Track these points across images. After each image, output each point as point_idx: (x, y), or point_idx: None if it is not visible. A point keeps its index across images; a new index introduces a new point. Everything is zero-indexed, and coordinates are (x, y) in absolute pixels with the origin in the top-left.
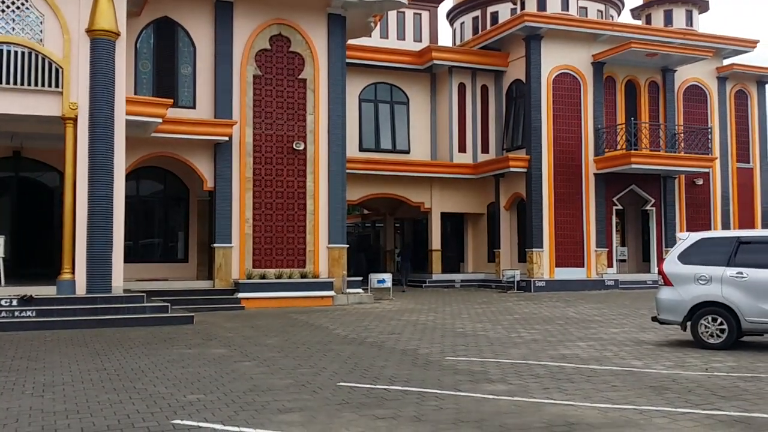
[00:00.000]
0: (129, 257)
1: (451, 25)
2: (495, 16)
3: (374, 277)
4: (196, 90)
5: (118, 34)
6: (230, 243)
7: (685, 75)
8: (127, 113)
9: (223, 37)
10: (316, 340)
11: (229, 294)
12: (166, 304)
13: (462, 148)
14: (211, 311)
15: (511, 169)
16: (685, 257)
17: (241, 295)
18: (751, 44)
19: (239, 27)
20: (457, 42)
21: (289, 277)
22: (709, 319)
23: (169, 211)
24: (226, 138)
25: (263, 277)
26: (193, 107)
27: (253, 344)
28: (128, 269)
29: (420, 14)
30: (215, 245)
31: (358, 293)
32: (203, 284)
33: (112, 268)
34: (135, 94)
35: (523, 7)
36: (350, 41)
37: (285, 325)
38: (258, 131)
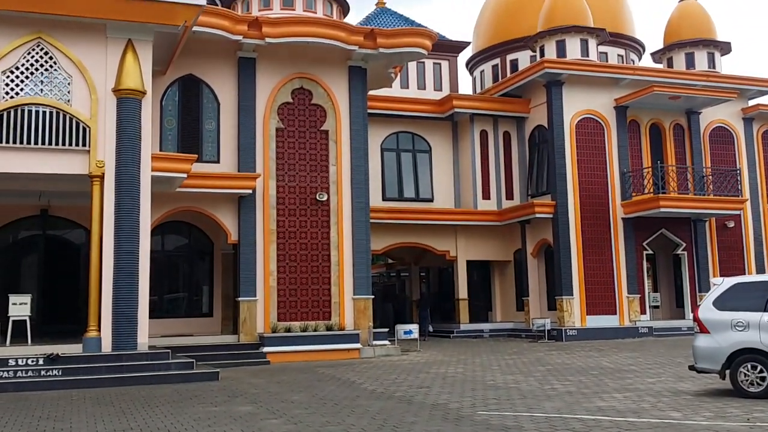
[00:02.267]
0: (154, 313)
1: (471, 73)
2: (515, 64)
3: (401, 328)
4: (220, 144)
5: (144, 93)
6: (255, 296)
7: (710, 117)
8: (153, 169)
9: (246, 92)
10: (343, 395)
11: (254, 348)
12: (191, 360)
13: (486, 195)
14: (236, 366)
15: (537, 215)
16: (721, 303)
17: (266, 349)
18: None
19: (262, 82)
20: (478, 90)
21: (315, 330)
22: (749, 366)
23: (193, 265)
24: (250, 191)
25: (288, 330)
26: (218, 161)
27: (279, 401)
28: (153, 325)
29: (440, 64)
30: (240, 299)
31: (385, 345)
32: (228, 339)
33: (137, 324)
34: (160, 150)
35: (542, 54)
36: (371, 92)
37: (311, 380)
38: (281, 183)
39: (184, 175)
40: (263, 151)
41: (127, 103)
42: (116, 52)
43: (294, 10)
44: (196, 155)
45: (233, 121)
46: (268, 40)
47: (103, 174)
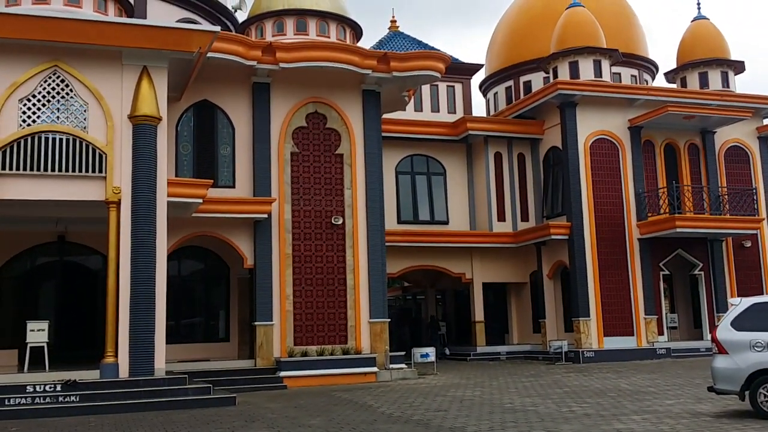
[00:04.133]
0: (171, 338)
1: (485, 95)
2: (528, 86)
3: (417, 351)
4: (236, 169)
5: (159, 119)
6: (271, 321)
7: (725, 136)
8: (169, 195)
9: (260, 117)
10: (360, 419)
11: (271, 373)
12: (208, 385)
13: (501, 217)
14: (253, 391)
15: (553, 237)
16: (739, 323)
17: (283, 373)
18: None
19: (276, 106)
20: (491, 112)
21: (331, 354)
22: None
23: (210, 290)
24: (266, 215)
25: (305, 354)
26: (233, 186)
27: (296, 425)
28: (170, 350)
29: (453, 86)
30: (256, 323)
31: (402, 368)
32: (245, 363)
33: (154, 350)
34: (176, 175)
35: (555, 76)
36: (385, 115)
37: (328, 404)
38: (296, 207)
39: (200, 200)
40: (278, 175)
41: (143, 129)
42: (132, 79)
43: (307, 35)
44: (212, 180)
45: (248, 145)
46: (282, 65)
47: (120, 200)
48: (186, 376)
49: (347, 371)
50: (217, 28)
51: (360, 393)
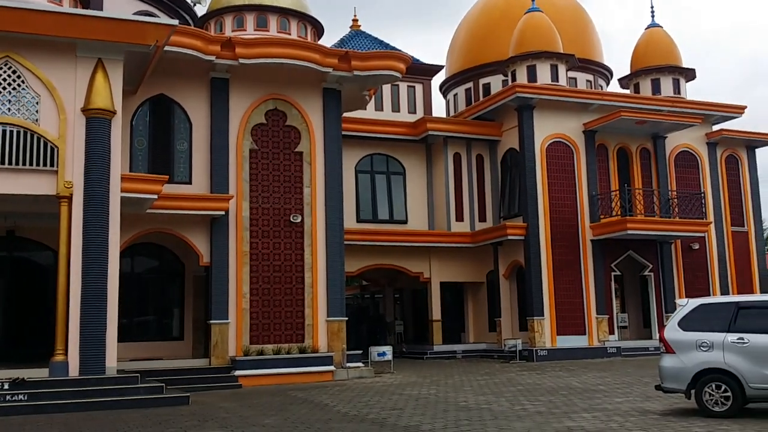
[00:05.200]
0: (123, 336)
1: (445, 96)
2: (487, 88)
3: (374, 350)
4: (192, 165)
5: (114, 113)
6: (227, 319)
7: (675, 141)
8: (123, 190)
9: (218, 113)
10: (315, 418)
11: (225, 372)
12: (161, 384)
13: (459, 217)
14: (207, 390)
15: (509, 237)
16: (686, 323)
17: (238, 372)
18: (739, 110)
19: (235, 103)
20: (451, 113)
21: (288, 353)
22: (713, 386)
23: (164, 287)
24: (223, 212)
25: (261, 353)
26: (189, 183)
27: (250, 425)
28: (122, 348)
29: (414, 87)
30: (211, 321)
31: (359, 367)
32: (199, 362)
33: (105, 348)
34: (130, 171)
35: (514, 79)
36: (346, 114)
37: (284, 403)
38: (254, 205)
39: (155, 196)
40: (236, 172)
41: (97, 122)
42: (86, 72)
43: (268, 31)
44: (168, 176)
45: (206, 141)
46: (241, 60)
47: (72, 195)
48: (138, 375)
49: (304, 370)
50: (175, 22)
51: (316, 392)
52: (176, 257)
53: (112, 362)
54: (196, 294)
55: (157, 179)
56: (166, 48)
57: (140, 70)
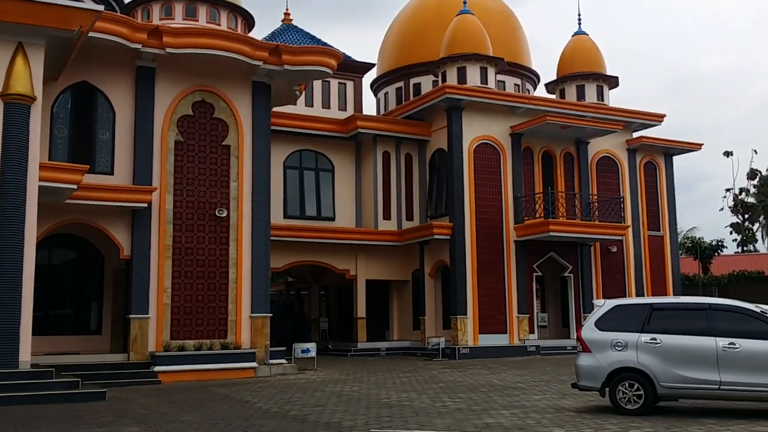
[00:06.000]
0: (38, 329)
1: (375, 95)
2: (418, 88)
3: (298, 347)
4: (115, 156)
5: (33, 99)
6: (147, 314)
7: (597, 147)
8: (41, 179)
9: (143, 103)
10: (236, 414)
11: (145, 367)
12: (76, 379)
13: (387, 216)
14: (125, 386)
15: (435, 237)
16: (602, 324)
17: (157, 368)
18: (659, 118)
19: (161, 93)
20: (382, 111)
21: (210, 349)
22: (626, 384)
23: (82, 280)
24: (145, 205)
25: (182, 348)
26: (111, 173)
27: (169, 421)
28: (37, 342)
29: (345, 84)
30: (131, 316)
31: (282, 364)
32: (117, 357)
33: (19, 341)
34: (50, 159)
35: (444, 80)
36: (275, 108)
37: (204, 400)
38: (179, 198)
39: (75, 186)
40: (161, 164)
41: (15, 108)
42: (5, 56)
43: (197, 21)
44: (88, 166)
45: (129, 131)
46: (168, 50)
47: None
48: (53, 369)
49: (225, 366)
50: (101, 8)
51: (237, 388)
52: (96, 249)
53: (25, 356)
54: (115, 287)
55: (78, 169)
56: (91, 34)
57: (63, 55)
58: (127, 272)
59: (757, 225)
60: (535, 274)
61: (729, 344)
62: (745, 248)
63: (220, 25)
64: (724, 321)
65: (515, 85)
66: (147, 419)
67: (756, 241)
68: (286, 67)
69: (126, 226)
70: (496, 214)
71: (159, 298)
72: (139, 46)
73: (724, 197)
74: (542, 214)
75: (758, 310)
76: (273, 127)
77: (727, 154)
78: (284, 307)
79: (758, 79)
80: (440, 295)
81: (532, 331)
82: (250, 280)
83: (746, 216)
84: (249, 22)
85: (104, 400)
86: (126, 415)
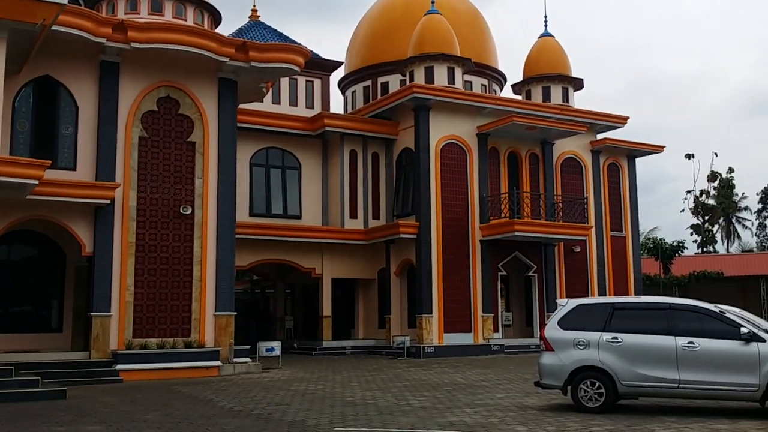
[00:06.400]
0: None
1: (343, 93)
2: (385, 87)
3: (263, 346)
4: (78, 151)
5: None
6: (109, 311)
7: (562, 148)
8: (1, 174)
9: (107, 98)
10: (199, 413)
11: (106, 366)
12: (36, 378)
13: (353, 214)
14: (86, 384)
15: (402, 236)
16: (565, 323)
17: (119, 366)
18: (622, 120)
19: (125, 88)
20: (349, 110)
21: (173, 347)
22: (588, 383)
23: (43, 277)
24: (108, 201)
25: (144, 347)
26: (74, 169)
27: (130, 420)
28: None
29: (312, 82)
30: (93, 314)
31: (246, 362)
32: (79, 356)
33: None
34: (11, 154)
35: (412, 79)
36: (242, 105)
37: (166, 399)
38: (143, 195)
39: (36, 182)
40: (124, 160)
41: None
42: None
43: (163, 16)
44: (50, 161)
45: (92, 127)
46: (133, 44)
47: None
48: (12, 367)
49: (189, 365)
50: (64, 1)
51: (201, 387)
52: (57, 246)
53: None
54: (77, 285)
55: (39, 164)
56: (54, 27)
57: (25, 49)
58: (89, 269)
59: (716, 227)
60: (499, 273)
61: (688, 343)
62: (705, 249)
63: (186, 20)
64: (683, 320)
65: (482, 85)
66: (108, 418)
67: (716, 242)
68: (253, 63)
69: (88, 222)
70: (462, 214)
71: (121, 295)
72: (103, 40)
73: (685, 199)
74: (508, 214)
75: (717, 309)
76: (239, 125)
77: (689, 156)
78: (249, 305)
79: (719, 81)
80: (406, 294)
81: (496, 330)
82: (215, 278)
83: (706, 218)
84: (216, 18)
85: (65, 399)
86: (87, 414)
